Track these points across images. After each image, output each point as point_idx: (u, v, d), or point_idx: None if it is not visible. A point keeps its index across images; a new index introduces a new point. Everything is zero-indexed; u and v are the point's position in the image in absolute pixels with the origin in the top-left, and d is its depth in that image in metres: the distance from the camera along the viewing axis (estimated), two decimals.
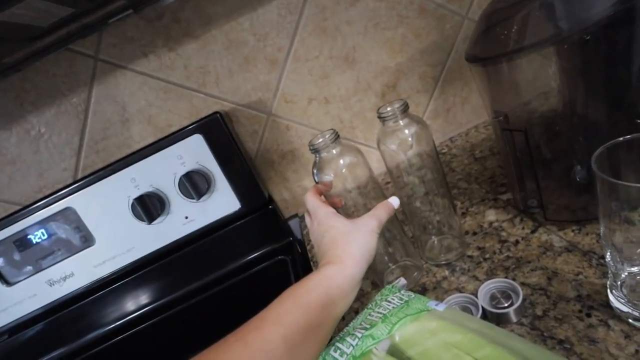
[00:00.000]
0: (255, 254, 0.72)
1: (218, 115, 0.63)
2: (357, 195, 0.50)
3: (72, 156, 0.69)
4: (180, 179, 0.63)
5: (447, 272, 0.51)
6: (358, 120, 0.76)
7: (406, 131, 0.47)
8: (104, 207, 0.64)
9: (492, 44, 0.45)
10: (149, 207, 0.63)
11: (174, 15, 0.64)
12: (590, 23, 0.38)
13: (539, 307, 0.41)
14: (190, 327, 0.68)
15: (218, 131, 0.63)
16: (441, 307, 0.39)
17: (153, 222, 0.64)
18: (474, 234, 0.55)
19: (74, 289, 0.67)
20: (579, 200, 0.49)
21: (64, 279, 0.66)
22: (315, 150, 0.46)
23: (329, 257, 0.38)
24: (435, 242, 0.55)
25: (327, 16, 0.68)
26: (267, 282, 0.69)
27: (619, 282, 0.37)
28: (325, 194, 0.47)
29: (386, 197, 0.45)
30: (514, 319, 0.41)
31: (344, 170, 0.48)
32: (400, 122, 0.46)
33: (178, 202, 0.65)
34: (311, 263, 0.64)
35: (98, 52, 0.64)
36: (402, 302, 0.42)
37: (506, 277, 0.46)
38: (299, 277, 0.61)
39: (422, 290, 0.50)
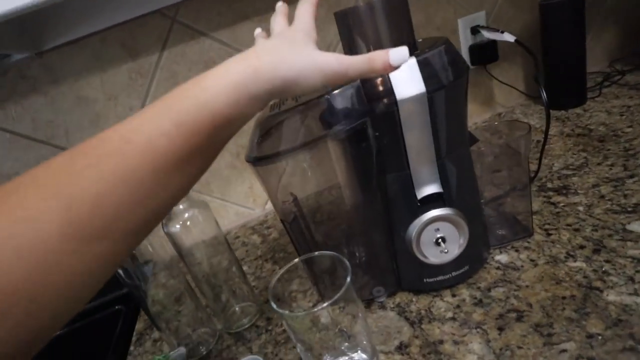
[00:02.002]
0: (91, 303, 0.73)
1: None
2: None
3: None
4: None
5: (232, 341, 0.55)
6: (214, 177, 0.80)
7: (186, 214, 0.51)
8: None
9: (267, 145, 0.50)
10: None
11: (20, 72, 0.66)
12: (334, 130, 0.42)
13: None
14: None
15: None
16: None
17: None
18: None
19: None
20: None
21: None
22: None
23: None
24: (236, 308, 0.59)
25: (179, 81, 0.73)
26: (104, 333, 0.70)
27: None
28: None
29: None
30: None
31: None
32: (181, 205, 0.50)
33: None
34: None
35: None
36: None
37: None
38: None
39: (206, 358, 0.54)
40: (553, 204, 0.56)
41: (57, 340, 0.70)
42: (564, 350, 0.36)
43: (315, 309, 0.33)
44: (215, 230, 0.54)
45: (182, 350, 0.51)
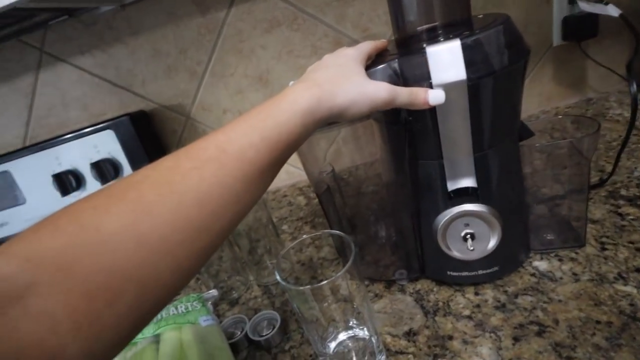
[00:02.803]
0: None
1: (128, 117, 0.72)
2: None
3: (21, 127, 0.82)
4: (94, 164, 0.74)
5: (259, 292, 0.59)
6: None
7: None
8: (34, 176, 0.77)
9: None
10: (65, 182, 0.75)
11: (107, 22, 0.73)
12: None
13: (289, 343, 0.48)
14: None
15: (127, 130, 0.73)
16: (205, 323, 0.48)
17: (66, 196, 0.76)
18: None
19: (7, 235, 0.82)
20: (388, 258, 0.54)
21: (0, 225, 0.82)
22: None
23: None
24: (268, 264, 0.62)
25: (244, 39, 0.74)
26: None
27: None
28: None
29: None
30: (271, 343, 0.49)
31: None
32: None
33: (92, 183, 0.77)
34: None
35: (43, 45, 0.75)
36: (185, 310, 0.51)
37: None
38: None
39: (235, 302, 0.58)
40: (620, 214, 0.49)
41: None
42: None
43: (309, 287, 0.34)
44: None
45: (215, 292, 0.56)
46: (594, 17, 0.70)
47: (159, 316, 0.49)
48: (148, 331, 0.47)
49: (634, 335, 0.35)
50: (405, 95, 0.34)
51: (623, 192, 0.52)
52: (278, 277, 0.35)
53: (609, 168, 0.54)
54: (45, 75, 0.77)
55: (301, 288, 0.34)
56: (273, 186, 0.89)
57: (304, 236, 0.41)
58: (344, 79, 0.33)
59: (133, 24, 0.72)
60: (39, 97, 0.79)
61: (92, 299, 0.20)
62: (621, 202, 0.51)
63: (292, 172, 0.88)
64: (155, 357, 0.45)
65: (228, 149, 0.27)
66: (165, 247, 0.23)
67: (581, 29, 0.71)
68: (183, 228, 0.23)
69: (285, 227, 0.72)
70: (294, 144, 0.30)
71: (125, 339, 0.22)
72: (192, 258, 0.24)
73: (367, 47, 0.39)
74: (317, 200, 0.78)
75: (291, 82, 0.40)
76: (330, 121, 0.34)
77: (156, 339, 0.46)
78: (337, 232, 0.38)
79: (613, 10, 0.58)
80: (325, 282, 0.34)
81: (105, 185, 0.25)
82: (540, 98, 0.79)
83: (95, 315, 0.20)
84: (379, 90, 0.33)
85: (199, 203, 0.24)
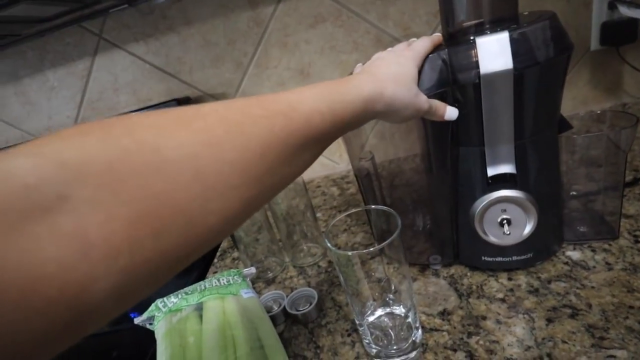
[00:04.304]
0: None
1: (175, 101, 0.77)
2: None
3: (74, 108, 0.88)
4: None
5: (295, 273, 0.62)
6: None
7: None
8: None
9: None
10: None
11: (162, 12, 0.78)
12: None
13: (325, 319, 0.51)
14: None
15: None
16: (246, 295, 0.51)
17: None
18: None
19: None
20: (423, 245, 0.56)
21: None
22: None
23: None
24: (304, 247, 0.66)
25: (289, 33, 0.78)
26: None
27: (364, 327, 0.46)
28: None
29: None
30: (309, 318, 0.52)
31: None
32: None
33: None
34: None
35: (102, 32, 0.80)
36: (227, 283, 0.54)
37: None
38: None
39: (271, 281, 0.62)
40: None
41: None
42: (612, 357, 0.35)
43: (357, 252, 0.37)
44: None
45: (253, 269, 0.59)
46: (633, 23, 0.71)
47: (202, 286, 0.53)
48: (192, 299, 0.51)
49: None
50: (434, 107, 0.39)
51: None
52: (328, 244, 0.38)
53: None
54: (101, 60, 0.83)
55: (349, 253, 0.37)
56: (307, 176, 0.92)
57: (352, 210, 0.44)
58: (404, 84, 0.36)
59: (187, 14, 0.77)
60: (93, 81, 0.85)
61: (137, 225, 0.17)
62: None
63: (326, 164, 0.91)
64: (199, 324, 0.48)
65: (298, 108, 0.27)
66: (220, 187, 0.21)
67: (620, 34, 0.72)
68: (241, 172, 0.22)
69: (319, 214, 0.75)
70: (352, 124, 0.32)
71: (160, 279, 0.20)
72: (240, 205, 0.23)
73: (424, 47, 0.41)
74: (350, 191, 0.81)
75: (358, 66, 0.44)
76: (383, 118, 0.37)
77: (200, 307, 0.50)
78: (382, 207, 0.41)
79: None
80: (372, 248, 0.36)
81: (168, 109, 0.23)
82: (575, 102, 0.80)
83: (137, 245, 0.17)
84: (424, 102, 0.37)
85: (262, 152, 0.24)
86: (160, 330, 0.48)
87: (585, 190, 0.49)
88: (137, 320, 0.52)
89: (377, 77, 0.35)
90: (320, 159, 0.91)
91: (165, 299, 0.52)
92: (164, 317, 0.49)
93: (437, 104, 0.39)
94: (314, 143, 0.28)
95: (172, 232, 0.19)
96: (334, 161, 0.91)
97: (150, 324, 0.51)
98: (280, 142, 0.25)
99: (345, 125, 0.31)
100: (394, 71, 0.37)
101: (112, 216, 0.17)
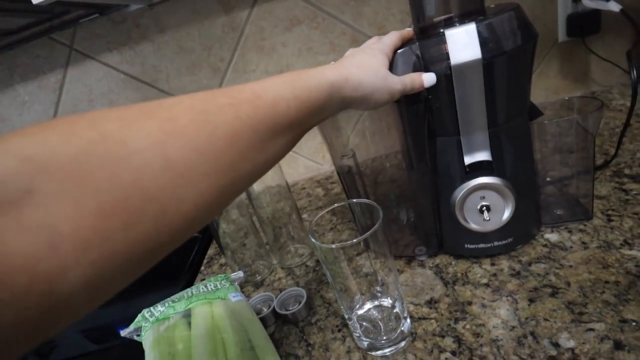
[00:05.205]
0: None
1: None
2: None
3: None
4: None
5: (283, 274, 0.62)
6: None
7: None
8: None
9: None
10: None
11: (135, 20, 0.77)
12: None
13: (315, 317, 0.51)
14: None
15: None
16: (235, 299, 0.51)
17: None
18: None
19: None
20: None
21: None
22: None
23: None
24: (291, 248, 0.66)
25: (265, 36, 0.78)
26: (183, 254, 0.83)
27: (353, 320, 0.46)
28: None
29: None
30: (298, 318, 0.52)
31: None
32: None
33: None
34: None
35: (73, 43, 0.79)
36: (215, 288, 0.54)
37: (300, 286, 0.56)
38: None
39: (259, 284, 0.62)
40: (625, 190, 0.52)
41: None
42: (591, 329, 0.37)
43: (340, 244, 0.37)
44: (281, 179, 0.61)
45: (241, 274, 0.59)
46: (596, 14, 0.74)
47: (189, 293, 0.53)
48: (180, 306, 0.50)
49: None
50: (409, 82, 0.39)
51: (627, 171, 0.56)
52: (312, 239, 0.38)
53: (614, 152, 0.57)
54: (74, 71, 0.82)
55: (332, 246, 0.37)
56: (292, 179, 0.92)
57: (335, 205, 0.45)
58: (370, 68, 0.37)
59: (160, 21, 0.77)
60: (66, 93, 0.83)
61: (106, 216, 0.17)
62: (625, 179, 0.54)
63: (310, 166, 0.92)
64: (188, 330, 0.48)
65: (263, 95, 0.27)
66: (191, 175, 0.21)
67: (585, 25, 0.75)
68: (211, 160, 0.22)
69: (305, 215, 0.76)
70: (320, 110, 0.32)
71: (134, 270, 0.20)
72: (214, 194, 0.23)
73: (392, 40, 0.42)
74: (334, 190, 0.81)
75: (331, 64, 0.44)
76: (352, 106, 0.37)
77: (187, 314, 0.49)
78: (365, 200, 0.41)
79: (614, 6, 0.62)
80: (355, 239, 0.37)
81: (132, 104, 0.22)
82: (547, 92, 0.83)
83: (107, 236, 0.17)
84: (395, 83, 0.38)
85: (231, 139, 0.24)
86: (147, 340, 0.48)
87: (560, 176, 0.51)
88: (124, 333, 0.51)
89: (341, 65, 0.36)
90: (304, 161, 0.92)
91: (151, 308, 0.51)
92: (151, 326, 0.49)
93: (411, 77, 0.40)
94: (284, 130, 0.28)
95: (144, 222, 0.19)
96: (318, 162, 0.92)
97: (138, 335, 0.50)
98: (249, 129, 0.25)
99: (313, 112, 0.31)
100: (359, 59, 0.38)
101: (80, 208, 0.17)
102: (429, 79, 0.40)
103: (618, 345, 0.34)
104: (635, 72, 0.51)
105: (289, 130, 0.29)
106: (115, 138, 0.19)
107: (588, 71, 0.82)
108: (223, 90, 0.26)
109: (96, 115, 0.20)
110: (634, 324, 0.36)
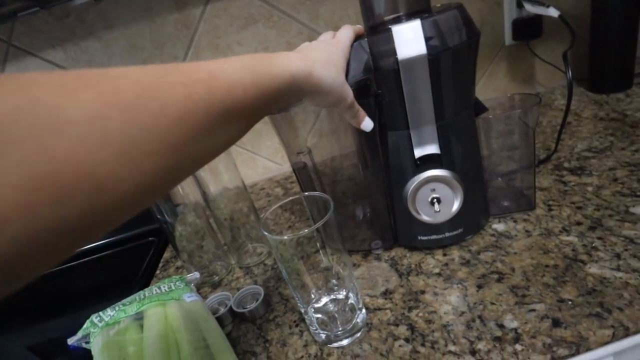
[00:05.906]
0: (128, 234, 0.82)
1: None
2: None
3: None
4: None
5: (241, 274, 0.61)
6: None
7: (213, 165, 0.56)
8: None
9: None
10: None
11: (79, 16, 0.74)
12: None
13: (272, 313, 0.51)
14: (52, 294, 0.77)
15: None
16: (189, 299, 0.50)
17: None
18: None
19: None
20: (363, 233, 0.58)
21: None
22: None
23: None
24: (249, 247, 0.65)
25: (220, 35, 0.77)
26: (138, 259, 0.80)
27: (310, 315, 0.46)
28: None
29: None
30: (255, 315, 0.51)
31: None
32: None
33: None
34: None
35: (11, 38, 0.74)
36: (169, 289, 0.52)
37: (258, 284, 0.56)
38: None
39: (217, 285, 0.60)
40: (564, 182, 0.55)
41: (96, 262, 0.80)
42: (533, 310, 0.39)
43: (292, 235, 0.37)
44: (238, 180, 0.60)
45: (197, 274, 0.57)
46: (538, 19, 0.79)
47: (142, 295, 0.51)
48: (131, 309, 0.48)
49: (576, 272, 0.41)
50: (357, 109, 0.41)
51: (566, 164, 0.59)
52: (263, 231, 0.38)
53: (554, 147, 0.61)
54: (12, 68, 0.77)
55: (284, 237, 0.37)
56: (251, 180, 0.91)
57: (288, 198, 0.45)
58: (333, 69, 0.37)
59: (107, 17, 0.74)
60: None
61: (31, 190, 0.16)
62: (564, 172, 0.58)
63: (270, 167, 0.91)
64: (140, 332, 0.46)
65: (220, 76, 0.25)
66: (133, 153, 0.20)
67: (528, 29, 0.80)
68: (157, 139, 0.21)
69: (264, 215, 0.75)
70: (277, 100, 0.31)
71: (63, 250, 0.18)
72: (158, 174, 0.22)
73: (349, 37, 0.42)
74: (294, 190, 0.81)
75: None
76: (308, 98, 0.36)
77: (140, 317, 0.47)
78: (317, 192, 0.42)
79: (553, 12, 0.67)
80: (306, 230, 0.37)
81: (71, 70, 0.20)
82: (496, 92, 0.87)
83: (33, 211, 0.16)
84: (348, 94, 0.39)
85: (180, 119, 0.22)
86: (96, 345, 0.45)
87: (506, 170, 0.53)
88: (71, 341, 0.48)
89: (307, 57, 0.35)
90: (263, 162, 0.91)
91: (100, 313, 0.48)
92: (100, 332, 0.46)
93: (360, 109, 0.42)
94: (238, 116, 0.27)
95: (76, 198, 0.17)
96: (277, 163, 0.92)
97: (87, 342, 0.48)
98: (200, 111, 0.23)
99: (270, 100, 0.30)
100: (325, 56, 0.37)
101: (1, 180, 0.15)
102: (367, 123, 0.43)
103: (556, 323, 0.36)
104: (570, 72, 0.55)
105: (243, 117, 0.27)
106: (48, 106, 0.17)
107: (533, 73, 0.87)
108: (177, 67, 0.24)
109: (27, 78, 0.18)
110: (570, 302, 0.38)
